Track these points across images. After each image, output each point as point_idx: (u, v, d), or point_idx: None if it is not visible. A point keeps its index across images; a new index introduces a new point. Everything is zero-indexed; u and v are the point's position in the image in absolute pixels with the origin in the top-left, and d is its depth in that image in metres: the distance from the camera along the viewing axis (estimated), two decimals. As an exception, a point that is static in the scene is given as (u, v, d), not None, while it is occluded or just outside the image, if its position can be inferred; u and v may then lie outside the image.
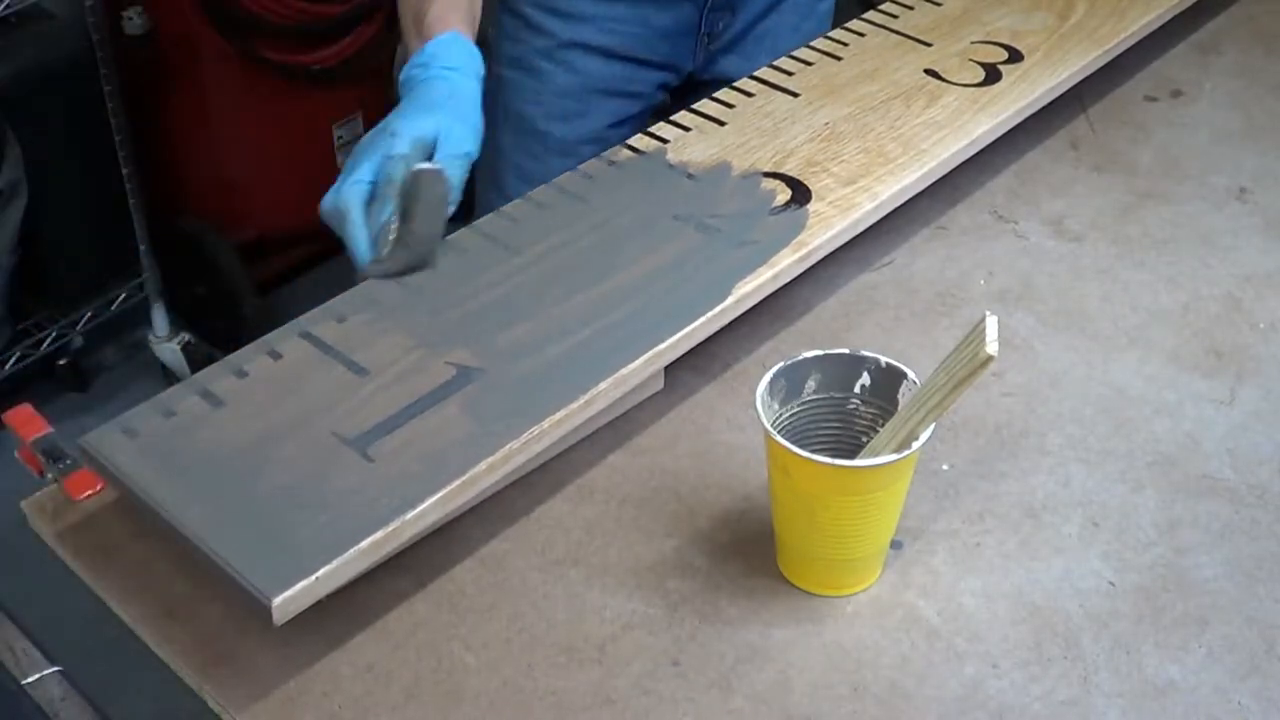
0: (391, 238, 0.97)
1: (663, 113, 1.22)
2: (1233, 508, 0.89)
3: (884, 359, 0.83)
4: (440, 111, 1.00)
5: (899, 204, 1.09)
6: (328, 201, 0.98)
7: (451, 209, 0.99)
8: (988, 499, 0.90)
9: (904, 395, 0.81)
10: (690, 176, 1.08)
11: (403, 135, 0.98)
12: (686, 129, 1.15)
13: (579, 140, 1.27)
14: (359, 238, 0.96)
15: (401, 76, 1.06)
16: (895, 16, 1.31)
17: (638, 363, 0.91)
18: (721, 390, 0.98)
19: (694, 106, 1.18)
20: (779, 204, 1.05)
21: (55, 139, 2.02)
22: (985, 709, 0.77)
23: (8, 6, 1.90)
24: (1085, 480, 0.91)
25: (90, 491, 0.89)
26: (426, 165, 0.98)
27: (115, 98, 2.04)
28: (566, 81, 1.29)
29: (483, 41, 1.15)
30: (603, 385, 0.89)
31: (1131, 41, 1.31)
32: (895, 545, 0.85)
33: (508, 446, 0.84)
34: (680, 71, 1.34)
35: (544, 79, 1.29)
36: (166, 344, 2.27)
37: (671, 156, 1.11)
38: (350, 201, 0.96)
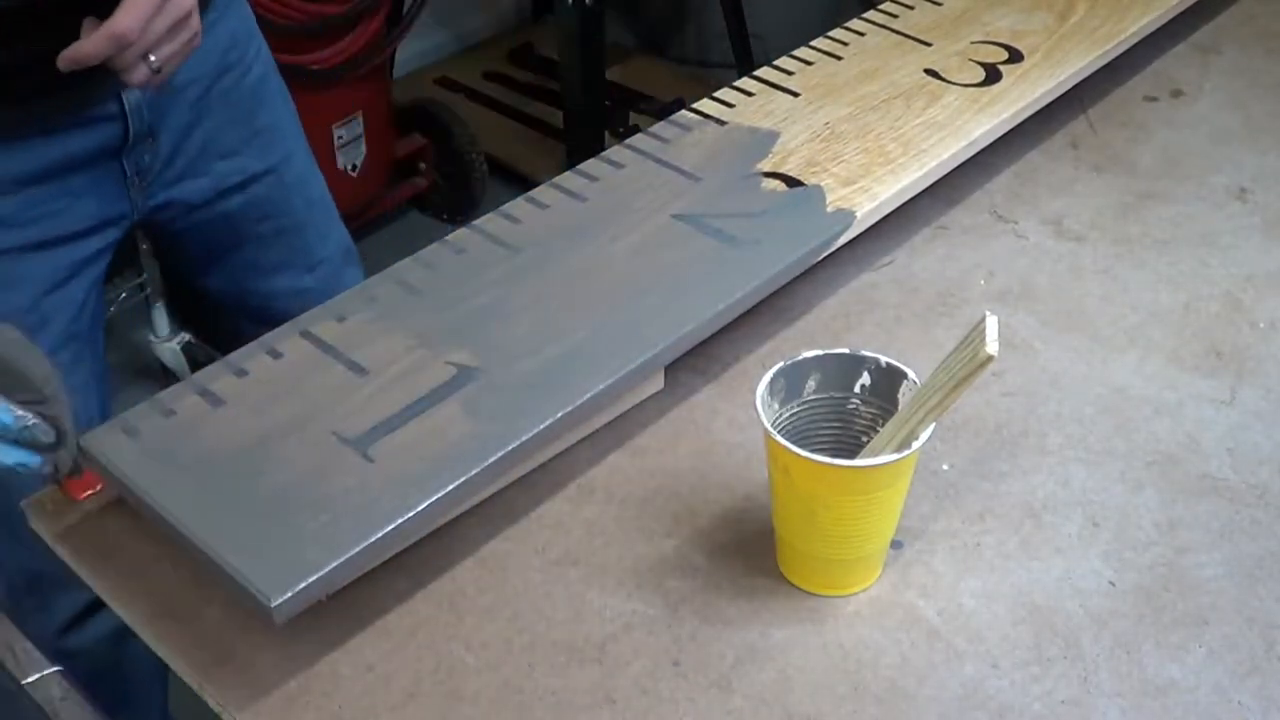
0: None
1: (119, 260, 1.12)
2: (1233, 508, 0.89)
3: (884, 359, 0.83)
4: None
5: (899, 204, 1.09)
6: None
7: None
8: (988, 499, 0.90)
9: (904, 395, 0.81)
10: (690, 177, 1.08)
11: None
12: (687, 129, 1.15)
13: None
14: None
15: None
16: (895, 16, 1.31)
17: (638, 363, 0.91)
18: (721, 390, 0.98)
19: (694, 106, 1.18)
20: (779, 204, 1.05)
21: (55, 139, 2.01)
22: (985, 709, 0.77)
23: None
24: (1085, 480, 0.91)
25: (90, 491, 0.89)
26: None
27: (115, 98, 2.04)
28: (8, 300, 1.06)
29: None
30: (603, 386, 0.89)
31: (1131, 42, 1.31)
32: (895, 545, 0.85)
33: (508, 447, 0.84)
34: (122, 222, 1.15)
35: None
36: (166, 344, 2.27)
37: (672, 157, 1.11)
38: None
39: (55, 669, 0.82)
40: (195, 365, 2.20)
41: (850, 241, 1.06)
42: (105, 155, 1.10)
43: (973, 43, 1.27)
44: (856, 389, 0.84)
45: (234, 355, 0.91)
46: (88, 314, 1.12)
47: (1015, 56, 1.24)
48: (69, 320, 1.10)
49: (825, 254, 1.04)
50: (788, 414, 0.83)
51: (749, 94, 1.20)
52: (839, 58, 1.25)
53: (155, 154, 1.14)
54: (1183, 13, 1.38)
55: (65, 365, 1.04)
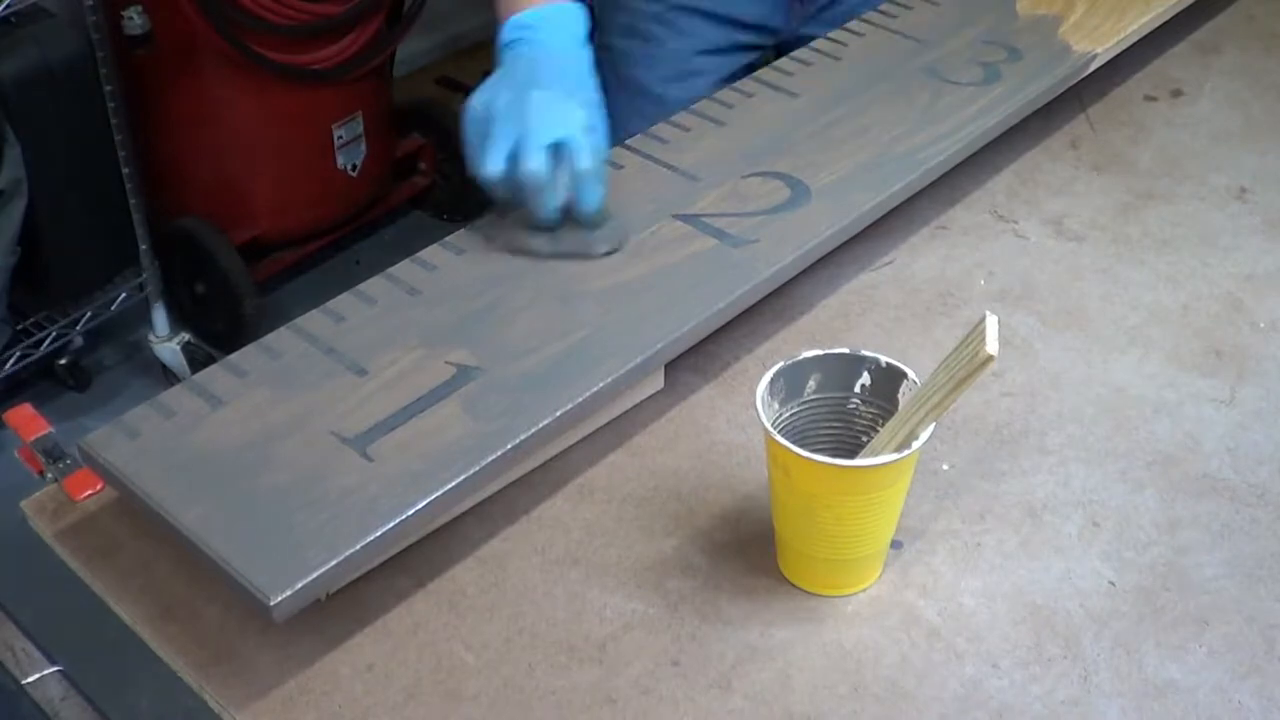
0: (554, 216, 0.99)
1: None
2: (1233, 507, 0.89)
3: (884, 359, 0.83)
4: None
5: (899, 203, 1.09)
6: (531, 171, 0.96)
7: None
8: (988, 499, 0.90)
9: (904, 395, 0.81)
10: (690, 177, 1.08)
11: (583, 114, 0.99)
12: (687, 129, 1.15)
13: (690, 100, 1.28)
14: (552, 201, 0.98)
15: (522, 38, 1.03)
16: (895, 17, 1.31)
17: (638, 362, 0.91)
18: (721, 390, 0.98)
19: (694, 107, 1.18)
20: (778, 203, 1.05)
21: (55, 139, 2.02)
22: (985, 709, 0.77)
23: (8, 6, 1.90)
24: (1085, 480, 0.91)
25: (90, 491, 0.89)
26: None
27: (115, 97, 2.04)
28: (677, 45, 1.36)
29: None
30: (603, 385, 0.89)
31: (1131, 41, 1.31)
32: (895, 545, 0.85)
33: (507, 446, 0.84)
34: (774, 33, 1.40)
35: (656, 43, 1.36)
36: (166, 344, 2.27)
37: (672, 157, 1.11)
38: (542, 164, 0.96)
39: (55, 669, 0.82)
40: (195, 365, 2.20)
41: (850, 241, 1.06)
42: None
43: (973, 42, 1.27)
44: (856, 389, 0.84)
45: (234, 356, 0.92)
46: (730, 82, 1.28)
47: (1015, 56, 1.24)
48: (715, 81, 1.34)
49: (824, 253, 1.04)
50: (788, 414, 0.83)
51: (748, 95, 1.20)
52: (838, 58, 1.25)
53: None
54: (1182, 12, 1.38)
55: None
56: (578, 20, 1.05)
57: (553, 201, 0.97)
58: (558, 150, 0.96)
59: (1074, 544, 0.87)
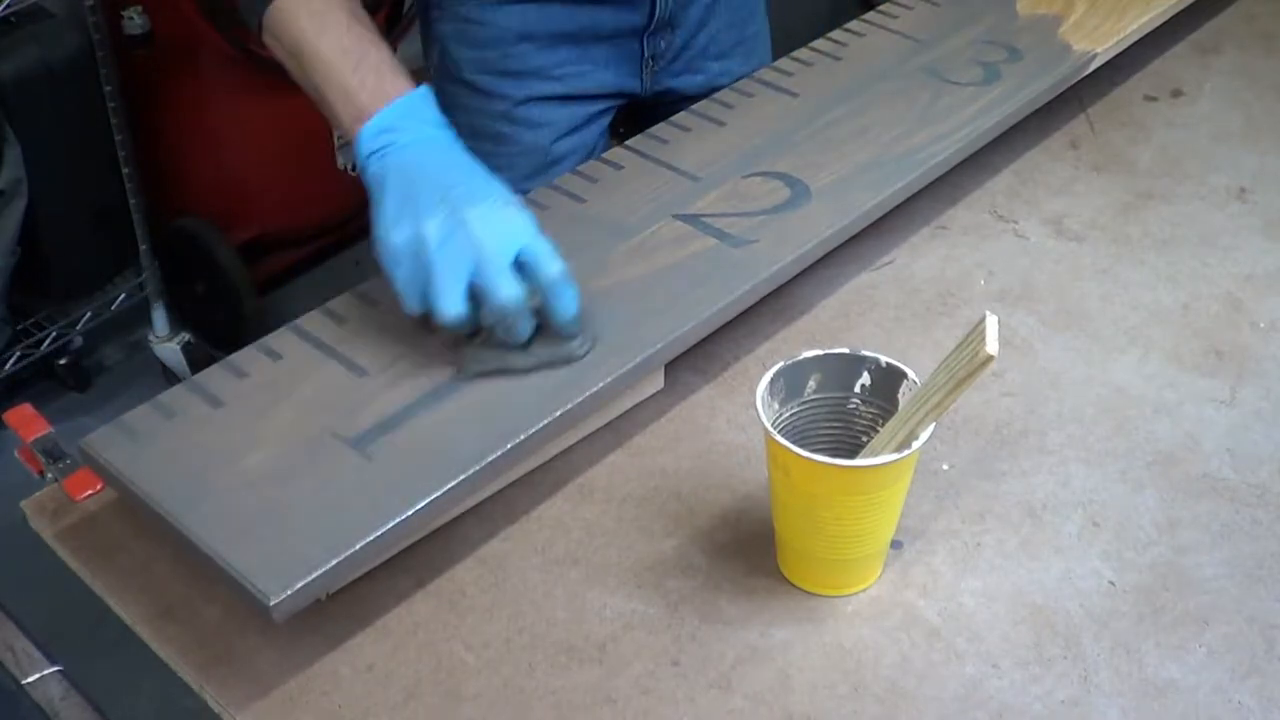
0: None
1: (621, 136, 1.23)
2: (1233, 508, 0.89)
3: (884, 359, 0.82)
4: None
5: (899, 203, 1.09)
6: (510, 298, 0.86)
7: None
8: (988, 499, 0.90)
9: (904, 395, 0.81)
10: (690, 177, 1.08)
11: (525, 216, 0.89)
12: (687, 129, 1.15)
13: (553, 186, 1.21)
14: (529, 323, 0.88)
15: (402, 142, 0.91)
16: (895, 17, 1.31)
17: (638, 362, 0.91)
18: (721, 390, 0.98)
19: (693, 108, 1.18)
20: (778, 203, 1.05)
21: (55, 139, 2.02)
22: (985, 709, 0.77)
23: (8, 6, 1.90)
24: (1085, 480, 0.91)
25: (90, 491, 0.89)
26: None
27: (115, 98, 2.04)
28: (532, 139, 1.26)
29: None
30: (603, 385, 0.89)
31: (1131, 41, 1.31)
32: (895, 545, 0.85)
33: (507, 446, 0.84)
34: (629, 96, 1.31)
35: (508, 143, 1.25)
36: (166, 344, 2.27)
37: (671, 157, 1.11)
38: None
39: (55, 668, 0.82)
40: (195, 365, 2.20)
41: (850, 241, 1.06)
42: (628, 34, 1.26)
43: (973, 42, 1.27)
44: (856, 389, 0.84)
45: (234, 356, 0.92)
46: (596, 154, 1.26)
47: (1015, 56, 1.24)
48: (579, 160, 1.27)
49: (824, 253, 1.04)
50: (788, 414, 0.83)
51: (748, 95, 1.20)
52: (839, 58, 1.25)
53: (670, 43, 1.28)
54: (1182, 12, 1.38)
55: None
56: (430, 103, 0.94)
57: (529, 323, 0.88)
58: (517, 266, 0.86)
59: (1074, 544, 0.87)
